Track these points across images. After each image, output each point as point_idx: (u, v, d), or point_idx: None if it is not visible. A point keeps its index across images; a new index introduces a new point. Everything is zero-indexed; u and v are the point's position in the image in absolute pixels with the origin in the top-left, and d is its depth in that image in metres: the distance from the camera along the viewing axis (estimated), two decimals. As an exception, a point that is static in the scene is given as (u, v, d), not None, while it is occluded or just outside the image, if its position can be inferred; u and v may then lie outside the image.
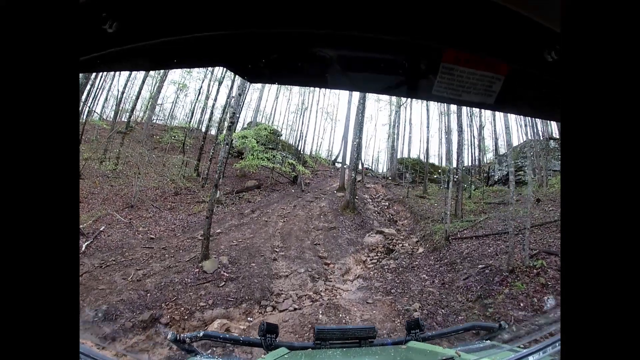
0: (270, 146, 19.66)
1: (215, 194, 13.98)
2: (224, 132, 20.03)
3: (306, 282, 8.31)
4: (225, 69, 0.85)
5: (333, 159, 32.93)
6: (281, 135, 26.06)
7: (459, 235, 9.91)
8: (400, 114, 28.29)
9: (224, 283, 7.53)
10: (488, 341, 1.53)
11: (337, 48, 0.69)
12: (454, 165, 14.04)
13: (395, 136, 28.59)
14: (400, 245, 10.70)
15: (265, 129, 19.44)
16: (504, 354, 1.27)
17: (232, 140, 19.00)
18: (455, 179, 13.00)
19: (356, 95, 19.52)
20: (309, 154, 30.16)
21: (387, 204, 15.65)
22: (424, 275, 8.23)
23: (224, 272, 7.98)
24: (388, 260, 9.65)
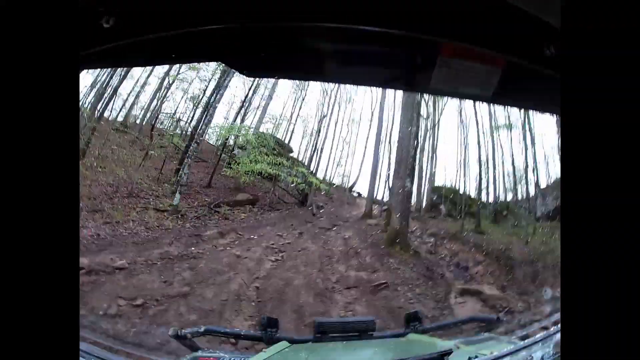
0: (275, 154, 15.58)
1: (176, 199, 9.37)
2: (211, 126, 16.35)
3: None
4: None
5: (350, 185, 28.64)
6: (292, 151, 22.36)
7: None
8: (429, 135, 24.52)
9: None
10: (486, 333, 1.55)
11: (334, 41, 0.68)
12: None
13: (427, 161, 24.62)
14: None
15: (273, 136, 15.69)
16: (502, 345, 1.32)
17: (227, 139, 15.18)
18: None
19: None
20: (322, 177, 26.04)
21: (432, 240, 11.02)
22: None
23: None
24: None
